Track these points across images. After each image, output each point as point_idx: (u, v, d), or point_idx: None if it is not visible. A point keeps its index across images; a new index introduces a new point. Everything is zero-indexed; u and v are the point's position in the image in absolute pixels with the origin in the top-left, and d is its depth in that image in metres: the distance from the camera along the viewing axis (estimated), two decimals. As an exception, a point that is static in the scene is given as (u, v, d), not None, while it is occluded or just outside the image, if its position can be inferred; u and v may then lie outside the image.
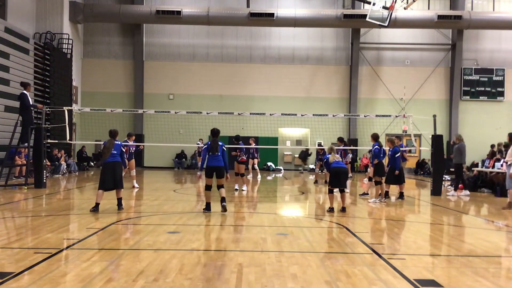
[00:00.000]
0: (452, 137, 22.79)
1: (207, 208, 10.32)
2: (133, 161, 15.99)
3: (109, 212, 10.05)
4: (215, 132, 10.54)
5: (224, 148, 10.57)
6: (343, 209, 10.76)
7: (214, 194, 10.67)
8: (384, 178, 13.15)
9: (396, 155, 13.29)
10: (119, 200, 10.39)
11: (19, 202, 12.01)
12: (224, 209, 10.19)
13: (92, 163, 26.17)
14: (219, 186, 10.40)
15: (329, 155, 11.10)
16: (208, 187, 10.39)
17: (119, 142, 10.59)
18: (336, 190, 11.12)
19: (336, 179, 10.85)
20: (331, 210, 10.71)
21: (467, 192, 15.39)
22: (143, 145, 22.22)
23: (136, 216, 10.02)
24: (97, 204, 10.06)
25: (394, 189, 14.08)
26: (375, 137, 13.57)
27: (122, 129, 16.65)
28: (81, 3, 26.58)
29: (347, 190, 12.73)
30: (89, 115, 24.00)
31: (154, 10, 26.25)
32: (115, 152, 10.37)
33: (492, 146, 19.52)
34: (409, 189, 17.83)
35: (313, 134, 27.29)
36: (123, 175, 15.34)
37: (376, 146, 13.22)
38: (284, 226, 9.00)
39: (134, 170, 16.04)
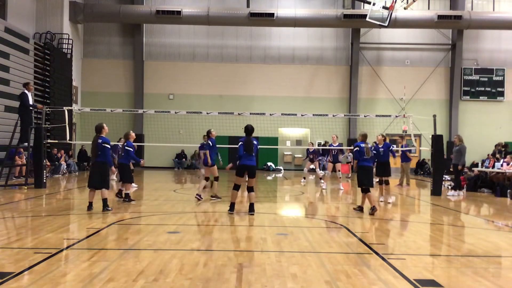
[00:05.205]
0: (452, 137, 22.79)
1: (231, 208, 10.13)
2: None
3: (109, 212, 10.05)
4: (249, 130, 10.18)
5: (258, 147, 10.36)
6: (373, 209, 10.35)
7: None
8: None
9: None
10: (103, 201, 10.22)
11: (19, 202, 12.01)
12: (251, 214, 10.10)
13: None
14: (249, 189, 10.26)
15: (363, 144, 10.54)
16: (236, 187, 10.18)
17: (101, 141, 10.26)
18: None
19: (366, 177, 10.48)
20: (360, 209, 10.66)
21: (455, 193, 15.37)
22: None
23: (136, 216, 10.01)
24: (90, 203, 10.19)
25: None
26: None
27: (122, 129, 16.64)
28: (81, 3, 26.58)
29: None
30: (89, 115, 23.99)
31: (154, 10, 26.26)
32: (99, 152, 10.22)
33: (497, 145, 19.61)
34: (409, 189, 17.82)
35: (313, 134, 27.28)
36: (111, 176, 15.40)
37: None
38: (284, 226, 9.00)
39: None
